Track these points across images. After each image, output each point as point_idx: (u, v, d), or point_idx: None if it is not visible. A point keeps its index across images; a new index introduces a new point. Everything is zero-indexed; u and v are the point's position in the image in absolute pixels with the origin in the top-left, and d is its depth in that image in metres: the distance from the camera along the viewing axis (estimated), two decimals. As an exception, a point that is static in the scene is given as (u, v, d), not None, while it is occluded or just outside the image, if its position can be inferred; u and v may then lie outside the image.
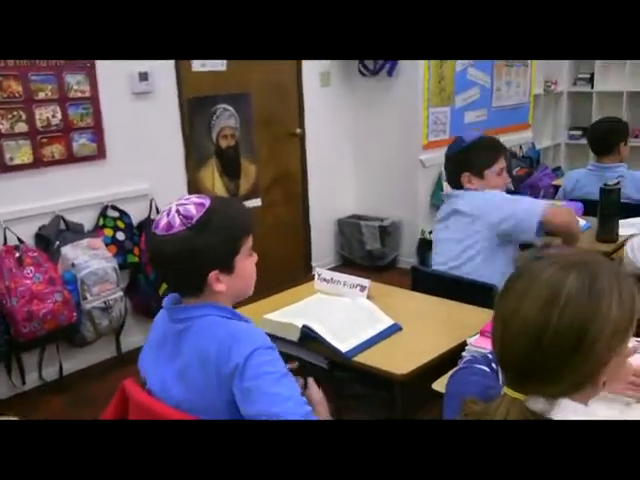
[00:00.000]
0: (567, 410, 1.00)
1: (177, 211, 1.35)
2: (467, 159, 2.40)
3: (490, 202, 2.31)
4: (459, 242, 2.34)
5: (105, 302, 3.18)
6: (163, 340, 1.46)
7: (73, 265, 3.11)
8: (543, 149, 6.05)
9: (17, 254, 2.98)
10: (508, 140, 5.45)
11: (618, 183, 2.56)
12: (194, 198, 1.38)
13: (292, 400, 1.30)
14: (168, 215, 1.35)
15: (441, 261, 2.41)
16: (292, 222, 4.62)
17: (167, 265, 1.39)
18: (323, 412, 1.49)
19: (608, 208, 2.54)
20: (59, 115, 3.25)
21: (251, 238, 1.45)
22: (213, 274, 1.37)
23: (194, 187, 3.89)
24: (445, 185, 4.73)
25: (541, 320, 0.97)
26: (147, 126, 3.60)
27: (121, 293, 3.28)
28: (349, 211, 4.95)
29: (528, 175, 4.95)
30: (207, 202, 1.37)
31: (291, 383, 1.34)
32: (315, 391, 1.53)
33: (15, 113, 3.11)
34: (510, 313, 1.01)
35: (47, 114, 3.22)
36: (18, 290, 2.88)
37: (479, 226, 2.29)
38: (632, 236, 2.29)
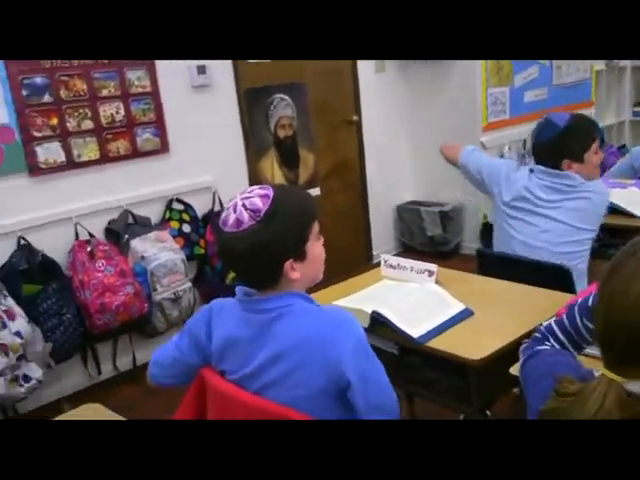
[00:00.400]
0: None
1: (243, 205, 1.33)
2: (566, 144, 2.28)
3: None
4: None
5: (175, 293, 3.26)
6: (242, 336, 1.44)
7: (142, 258, 3.20)
8: (607, 127, 5.84)
9: (89, 248, 3.08)
10: (570, 119, 5.31)
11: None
12: (257, 190, 1.37)
13: (392, 390, 1.37)
14: (235, 211, 1.34)
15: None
16: (351, 210, 4.62)
17: (241, 261, 1.39)
18: None
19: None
20: (122, 111, 3.34)
21: (317, 222, 1.45)
22: (288, 263, 1.37)
23: (255, 178, 3.94)
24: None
25: None
26: (207, 119, 3.66)
27: (190, 284, 3.36)
28: (408, 197, 4.92)
29: (593, 154, 4.79)
30: (270, 192, 1.35)
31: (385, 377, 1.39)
32: None
33: (81, 111, 3.20)
34: (618, 294, 0.96)
35: (111, 110, 3.30)
36: (91, 283, 2.99)
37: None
38: None
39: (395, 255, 4.54)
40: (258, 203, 1.33)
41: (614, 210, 2.63)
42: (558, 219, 2.29)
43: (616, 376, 0.96)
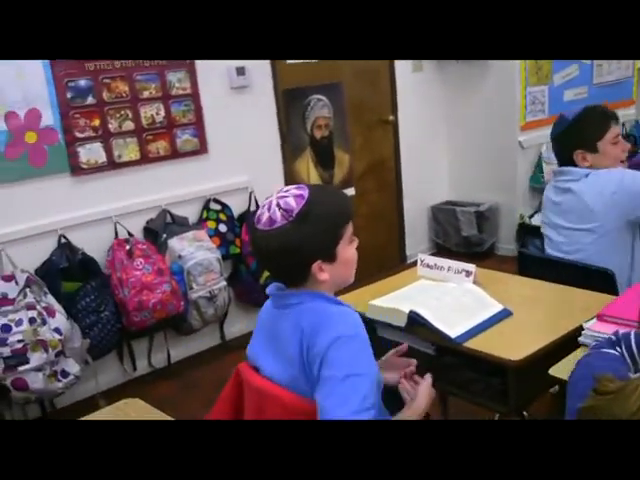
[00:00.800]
0: None
1: (277, 205, 1.35)
2: (575, 135, 2.25)
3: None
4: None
5: (210, 292, 3.29)
6: (268, 327, 1.49)
7: (180, 257, 3.24)
8: (649, 126, 5.71)
9: (127, 247, 3.14)
10: (611, 118, 5.21)
11: None
12: (293, 190, 1.38)
13: (354, 402, 1.27)
14: (269, 210, 1.36)
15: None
16: (386, 210, 4.60)
17: (271, 259, 1.41)
18: (412, 412, 1.46)
19: None
20: (162, 112, 3.38)
21: (351, 225, 1.45)
22: (316, 264, 1.38)
23: (290, 178, 3.96)
24: (545, 166, 4.60)
25: None
26: (245, 120, 3.69)
27: (225, 283, 3.39)
28: (444, 197, 4.88)
29: (633, 154, 4.68)
30: (306, 193, 1.36)
31: (362, 383, 1.29)
32: (423, 394, 1.50)
33: (122, 112, 3.26)
34: None
35: (151, 112, 3.35)
36: (129, 281, 3.03)
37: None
38: None
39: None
40: (292, 203, 1.34)
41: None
42: (565, 226, 2.27)
43: None
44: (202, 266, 3.26)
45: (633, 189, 2.15)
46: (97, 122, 3.19)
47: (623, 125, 5.26)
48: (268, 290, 1.50)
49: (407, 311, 1.78)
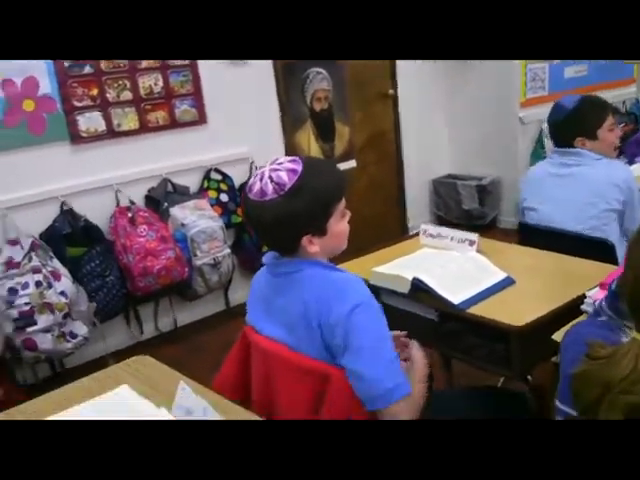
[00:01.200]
0: None
1: (270, 177, 1.34)
2: (577, 123, 2.36)
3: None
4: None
5: (214, 259, 3.32)
6: (266, 294, 1.51)
7: (182, 225, 3.25)
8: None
9: (129, 214, 3.15)
10: (610, 96, 5.17)
11: None
12: (287, 163, 1.37)
13: (385, 367, 1.35)
14: (261, 180, 1.36)
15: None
16: (386, 183, 4.61)
17: (261, 229, 1.43)
18: (419, 377, 1.48)
19: None
20: (161, 83, 3.37)
21: (344, 200, 1.44)
22: (306, 238, 1.39)
23: (291, 150, 3.95)
24: (546, 141, 4.61)
25: None
26: (244, 91, 3.67)
27: (229, 250, 3.41)
28: (445, 171, 4.89)
29: (633, 132, 4.70)
30: (299, 168, 1.35)
31: (388, 347, 1.37)
32: (419, 357, 1.53)
33: (120, 82, 3.25)
34: None
35: (150, 82, 3.34)
36: (133, 247, 3.05)
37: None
38: None
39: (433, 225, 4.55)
40: (284, 177, 1.34)
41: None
42: (565, 199, 2.33)
43: None
44: (205, 234, 3.27)
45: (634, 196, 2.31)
46: (95, 91, 3.18)
47: (623, 103, 5.27)
48: (264, 259, 1.51)
49: (410, 278, 1.80)
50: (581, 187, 2.32)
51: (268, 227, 1.39)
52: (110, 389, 1.41)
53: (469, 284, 1.80)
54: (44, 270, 2.73)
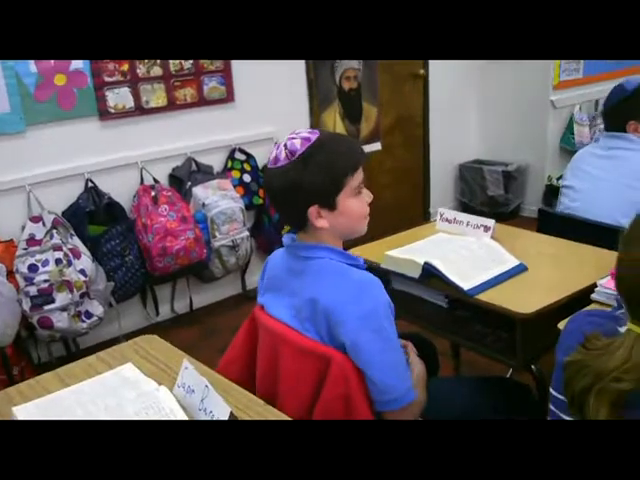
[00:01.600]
0: None
1: (285, 145, 1.37)
2: (632, 107, 2.30)
3: None
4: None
5: (233, 241, 3.34)
6: (280, 275, 1.52)
7: (204, 205, 3.28)
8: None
9: (153, 193, 3.18)
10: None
11: None
12: (304, 132, 1.38)
13: (396, 373, 1.40)
14: (277, 149, 1.38)
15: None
16: (412, 166, 4.57)
17: (272, 197, 1.45)
18: (420, 384, 1.51)
19: None
20: (191, 59, 3.37)
21: (359, 177, 1.42)
22: (313, 209, 1.39)
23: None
24: (577, 127, 4.51)
25: None
26: (273, 70, 3.66)
27: (247, 233, 3.42)
28: (472, 155, 4.82)
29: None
30: (314, 137, 1.36)
31: (398, 353, 1.42)
32: (417, 362, 1.56)
33: (151, 57, 3.26)
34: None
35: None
36: (154, 227, 3.08)
37: None
38: None
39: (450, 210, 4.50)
40: (297, 145, 1.36)
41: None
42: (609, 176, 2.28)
43: None
44: (225, 215, 3.29)
45: None
46: (126, 67, 3.20)
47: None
48: (284, 239, 1.52)
49: (422, 262, 1.79)
50: (623, 169, 2.27)
51: (276, 193, 1.41)
52: (115, 367, 1.44)
53: (480, 270, 1.78)
54: (64, 248, 2.77)
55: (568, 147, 4.50)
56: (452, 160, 4.76)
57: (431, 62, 4.44)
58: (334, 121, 4.07)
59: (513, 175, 4.51)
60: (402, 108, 4.43)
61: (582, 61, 4.60)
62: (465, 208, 4.73)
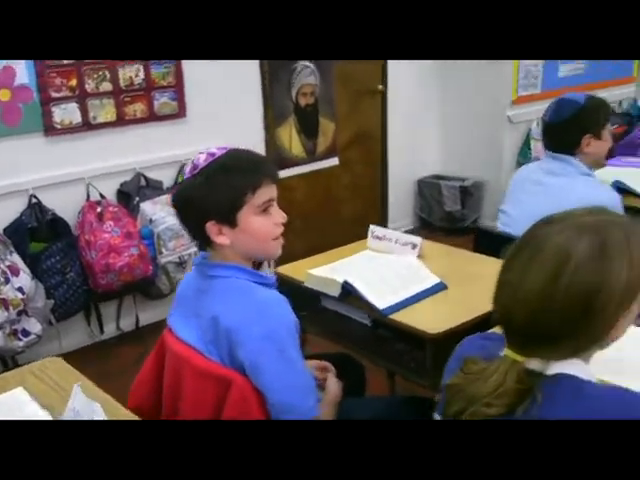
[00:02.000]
0: (565, 365, 1.00)
1: (192, 160, 1.40)
2: (587, 119, 2.21)
3: None
4: None
5: (180, 257, 3.30)
6: (189, 295, 1.51)
7: (151, 221, 3.24)
8: (649, 105, 5.58)
9: (98, 209, 3.13)
10: (607, 95, 5.06)
11: None
12: (214, 149, 1.40)
13: (295, 392, 1.38)
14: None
15: None
16: (370, 181, 4.56)
17: (177, 210, 1.45)
18: (331, 404, 1.51)
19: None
20: (142, 74, 3.34)
21: (265, 195, 1.39)
22: (210, 224, 1.37)
23: (272, 146, 3.92)
24: (533, 143, 4.53)
25: (548, 290, 0.96)
26: (227, 84, 3.63)
27: (195, 249, 3.38)
28: (431, 171, 4.81)
29: (626, 133, 4.60)
30: (220, 153, 1.38)
31: (299, 372, 1.39)
32: (332, 383, 1.57)
33: (100, 73, 3.22)
34: (516, 281, 1.01)
35: (130, 73, 3.31)
36: (97, 243, 3.04)
37: None
38: None
39: (411, 230, 4.51)
40: (201, 159, 1.38)
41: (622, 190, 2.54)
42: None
43: (519, 356, 1.00)
44: (172, 231, 3.25)
45: None
46: (74, 82, 3.16)
47: (620, 103, 5.16)
48: (194, 259, 1.53)
49: (341, 281, 1.77)
50: (551, 200, 2.18)
51: (178, 207, 1.42)
52: (9, 390, 1.40)
53: (399, 289, 1.76)
54: (2, 265, 2.72)
55: (525, 162, 4.51)
56: (411, 175, 4.76)
57: (390, 77, 4.44)
58: (290, 136, 4.06)
59: (470, 190, 4.52)
60: (360, 124, 4.42)
61: (540, 77, 4.63)
62: (424, 223, 4.73)
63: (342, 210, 4.21)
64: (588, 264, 0.95)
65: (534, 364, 1.00)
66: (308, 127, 4.13)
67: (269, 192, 1.41)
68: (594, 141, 2.21)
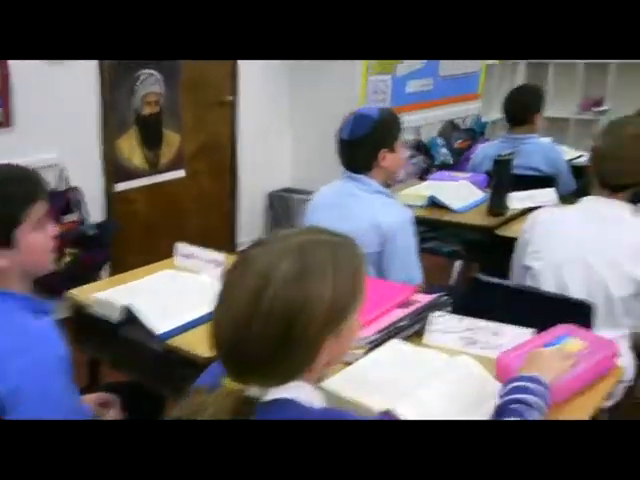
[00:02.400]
0: (283, 390, 0.98)
1: None
2: (383, 134, 2.15)
3: None
4: None
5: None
6: None
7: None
8: (492, 121, 5.83)
9: None
10: (454, 111, 5.29)
11: (512, 154, 2.43)
12: None
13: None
14: None
15: None
16: (218, 194, 4.45)
17: None
18: None
19: (499, 180, 2.41)
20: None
21: (42, 209, 1.32)
22: None
23: (110, 157, 3.74)
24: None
25: (248, 314, 0.93)
26: (62, 92, 3.41)
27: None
28: (283, 184, 4.79)
29: (468, 148, 4.80)
30: None
31: (63, 406, 1.26)
32: (114, 416, 1.52)
33: None
34: (221, 307, 0.97)
35: (-59, 78, 3.05)
36: None
37: None
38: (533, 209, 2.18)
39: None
40: None
41: (434, 203, 2.62)
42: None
43: (237, 385, 0.96)
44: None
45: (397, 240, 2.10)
46: None
47: (463, 120, 5.39)
48: None
49: (119, 305, 1.66)
50: (342, 225, 2.14)
51: None
52: None
53: (184, 311, 1.68)
54: None
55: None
56: (262, 188, 4.70)
57: (241, 88, 4.38)
58: (131, 147, 3.89)
59: (318, 204, 4.53)
60: (208, 134, 4.32)
61: (389, 91, 4.74)
62: (275, 237, 4.69)
63: (189, 223, 4.08)
64: (287, 286, 0.93)
65: (253, 391, 0.97)
66: (150, 138, 3.97)
67: (45, 205, 1.34)
68: (389, 154, 2.15)
